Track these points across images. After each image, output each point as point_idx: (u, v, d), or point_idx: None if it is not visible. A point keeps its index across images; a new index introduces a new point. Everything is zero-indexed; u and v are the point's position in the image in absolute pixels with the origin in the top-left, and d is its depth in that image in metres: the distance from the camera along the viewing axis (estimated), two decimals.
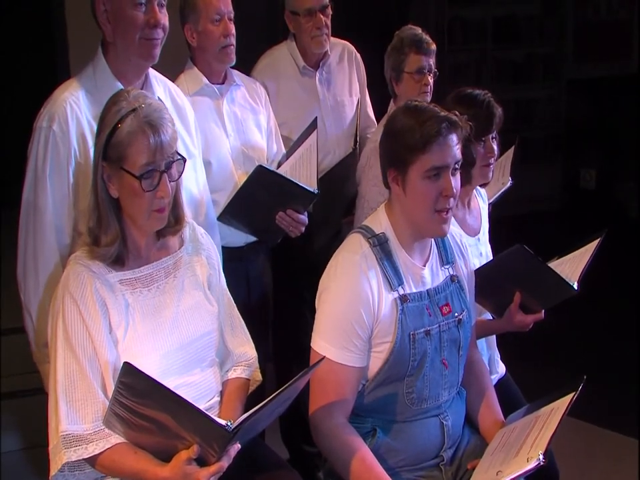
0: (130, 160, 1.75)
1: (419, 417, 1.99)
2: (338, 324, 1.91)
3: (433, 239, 2.05)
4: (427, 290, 1.99)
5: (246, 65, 3.01)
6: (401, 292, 1.94)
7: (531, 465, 1.73)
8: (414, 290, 1.97)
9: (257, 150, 2.77)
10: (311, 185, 2.61)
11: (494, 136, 2.37)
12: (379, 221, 2.00)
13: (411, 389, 1.95)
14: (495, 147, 2.36)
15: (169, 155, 1.78)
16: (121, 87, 2.09)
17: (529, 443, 1.82)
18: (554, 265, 2.37)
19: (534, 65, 6.86)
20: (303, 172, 2.68)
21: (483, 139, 2.32)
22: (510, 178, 2.99)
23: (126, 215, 1.82)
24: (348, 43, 3.26)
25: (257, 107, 2.83)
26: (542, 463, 1.72)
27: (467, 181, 2.33)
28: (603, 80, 6.44)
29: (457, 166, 1.92)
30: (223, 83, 2.74)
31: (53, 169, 2.05)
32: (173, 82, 2.48)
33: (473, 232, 2.43)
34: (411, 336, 1.92)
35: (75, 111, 2.06)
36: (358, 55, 3.28)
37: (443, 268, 2.06)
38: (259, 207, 2.61)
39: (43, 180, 2.05)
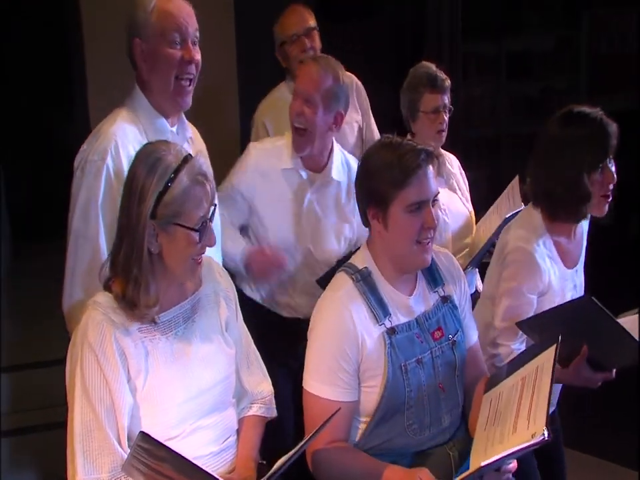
0: (186, 215, 1.73)
1: (426, 444, 1.97)
2: (324, 361, 1.92)
3: None
4: (416, 318, 1.97)
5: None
6: (389, 325, 1.93)
7: (536, 440, 1.62)
8: (402, 320, 1.95)
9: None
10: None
11: (611, 158, 2.11)
12: (362, 257, 2.00)
13: (411, 420, 1.94)
14: (614, 172, 2.10)
15: (213, 202, 1.79)
16: (164, 120, 2.18)
17: (524, 415, 1.72)
18: (623, 321, 2.10)
19: (549, 98, 6.87)
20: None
21: (601, 165, 2.11)
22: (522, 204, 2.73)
23: (165, 266, 1.78)
24: (347, 72, 3.28)
25: None
26: (547, 439, 1.61)
27: (577, 219, 2.18)
28: (617, 113, 6.41)
29: (436, 198, 1.91)
30: None
31: (106, 201, 2.07)
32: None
33: (573, 263, 2.29)
34: (403, 367, 1.91)
35: (125, 145, 2.10)
36: (358, 82, 3.32)
37: (432, 292, 2.03)
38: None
39: (95, 210, 2.07)
